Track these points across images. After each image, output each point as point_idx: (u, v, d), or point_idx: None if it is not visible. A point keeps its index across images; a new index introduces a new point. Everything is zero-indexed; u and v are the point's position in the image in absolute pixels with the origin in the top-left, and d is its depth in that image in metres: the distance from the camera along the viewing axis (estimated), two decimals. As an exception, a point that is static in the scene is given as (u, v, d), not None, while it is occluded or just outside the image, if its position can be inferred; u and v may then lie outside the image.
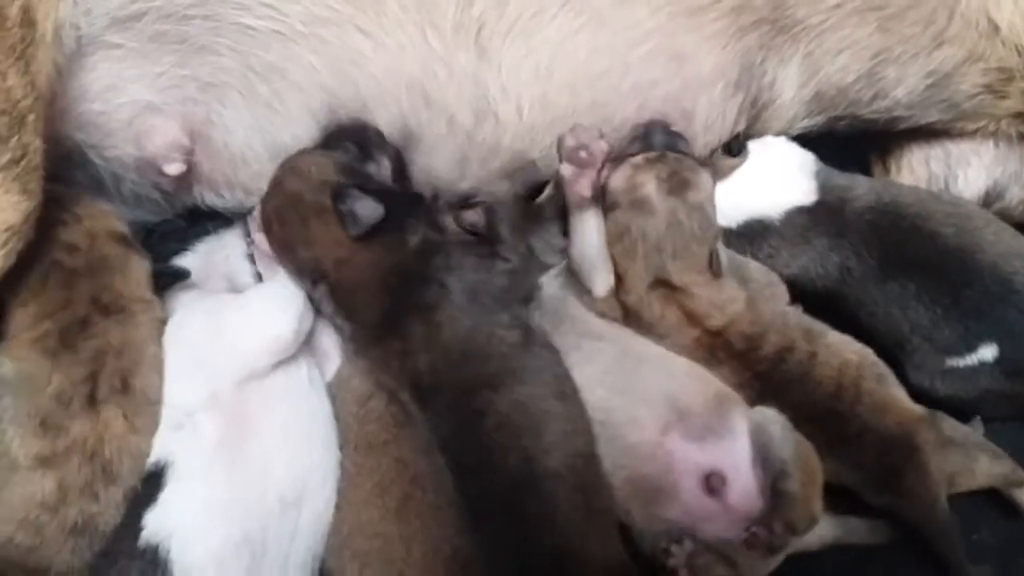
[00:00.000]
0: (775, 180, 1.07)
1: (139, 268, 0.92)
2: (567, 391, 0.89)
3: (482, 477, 0.84)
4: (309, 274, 0.92)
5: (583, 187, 0.94)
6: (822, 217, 1.05)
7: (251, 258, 1.02)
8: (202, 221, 1.05)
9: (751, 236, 1.05)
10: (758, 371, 0.96)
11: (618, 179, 1.00)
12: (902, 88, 1.07)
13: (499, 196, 1.04)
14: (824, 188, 1.06)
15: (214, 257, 1.02)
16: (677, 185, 0.98)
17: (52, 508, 0.80)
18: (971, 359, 0.99)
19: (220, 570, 0.81)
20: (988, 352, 0.98)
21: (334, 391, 0.94)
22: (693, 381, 0.94)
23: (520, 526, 0.82)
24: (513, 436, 0.84)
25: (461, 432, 0.85)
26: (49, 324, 0.84)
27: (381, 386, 0.92)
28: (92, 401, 0.82)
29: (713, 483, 0.89)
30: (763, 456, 0.88)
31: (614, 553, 0.83)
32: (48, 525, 0.79)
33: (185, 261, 1.00)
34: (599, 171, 0.96)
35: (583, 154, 0.93)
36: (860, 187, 1.07)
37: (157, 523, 0.81)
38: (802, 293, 1.03)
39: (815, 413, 0.94)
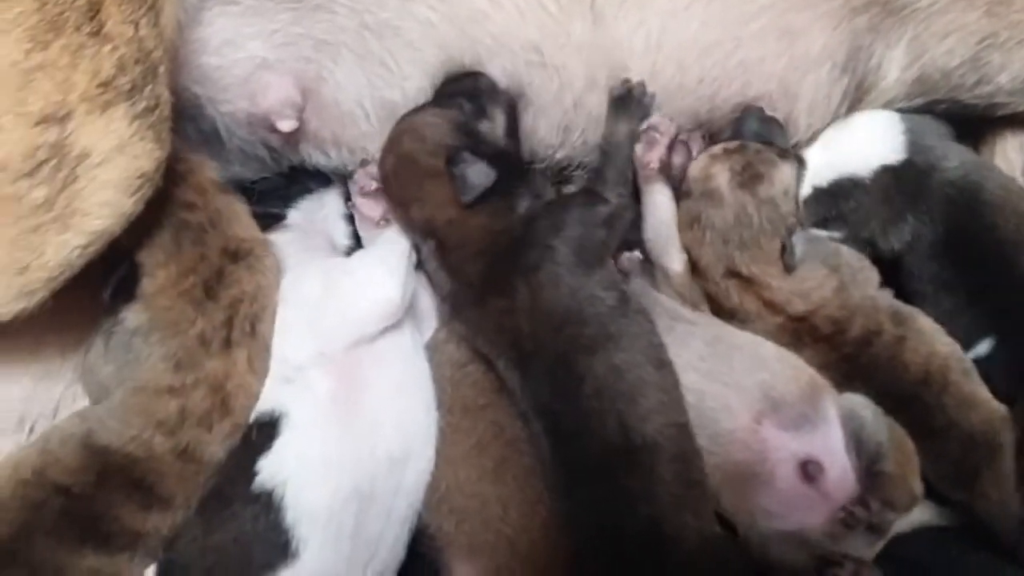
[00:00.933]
0: (867, 138, 1.06)
1: (245, 212, 0.96)
2: (663, 360, 0.90)
3: (578, 444, 0.86)
4: (420, 232, 0.94)
5: (652, 161, 0.97)
6: (906, 178, 1.04)
7: (349, 219, 1.04)
8: (302, 179, 1.06)
9: (839, 194, 1.05)
10: (844, 353, 0.97)
11: (695, 168, 1.01)
12: (1006, 74, 1.06)
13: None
14: (914, 148, 1.05)
15: (314, 216, 1.04)
16: (749, 179, 0.99)
17: (169, 430, 0.84)
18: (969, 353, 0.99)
19: (331, 519, 0.84)
20: (984, 347, 0.98)
21: (430, 354, 0.96)
22: (786, 369, 0.94)
23: (615, 495, 0.84)
24: (610, 402, 0.85)
25: (558, 397, 0.87)
26: (194, 278, 0.87)
27: (476, 353, 0.94)
28: (227, 344, 0.86)
29: (810, 471, 0.90)
30: (857, 441, 0.89)
31: (708, 525, 0.85)
32: (161, 445, 0.84)
33: (290, 218, 1.02)
34: (669, 148, 0.99)
35: (652, 132, 0.97)
36: (952, 159, 1.06)
37: (271, 470, 0.85)
38: (875, 260, 1.04)
39: (902, 398, 0.94)
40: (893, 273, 1.04)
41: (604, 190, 0.96)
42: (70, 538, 0.83)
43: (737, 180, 0.99)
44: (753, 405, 0.92)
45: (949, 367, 0.95)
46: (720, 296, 1.00)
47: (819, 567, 0.86)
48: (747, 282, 0.99)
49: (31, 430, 0.91)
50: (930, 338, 0.97)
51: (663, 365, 0.90)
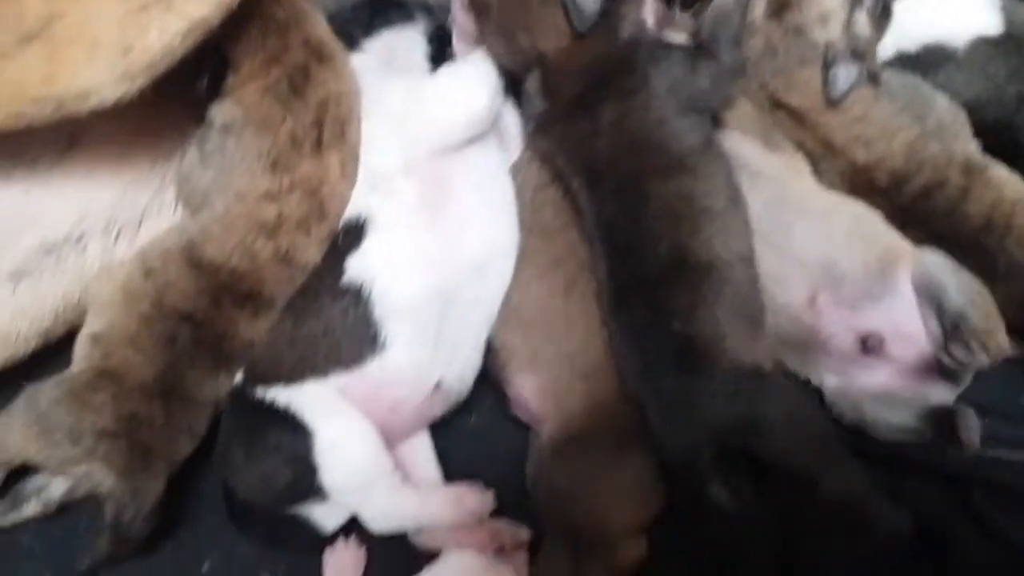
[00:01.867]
0: (963, 9, 1.05)
1: (325, 22, 0.96)
2: (736, 198, 0.90)
3: (630, 260, 0.87)
4: (523, 58, 0.94)
5: None
6: (1006, 49, 1.03)
7: (430, 57, 1.04)
8: (385, 11, 1.06)
9: (929, 62, 1.04)
10: (899, 205, 0.97)
11: None
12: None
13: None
14: (1011, 23, 1.04)
15: (394, 47, 1.04)
16: (779, 7, 0.99)
17: (269, 233, 0.86)
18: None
19: (416, 317, 0.87)
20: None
21: (513, 176, 0.98)
22: (854, 243, 0.93)
23: (656, 311, 0.85)
24: (671, 224, 0.86)
25: (622, 214, 0.88)
26: (277, 70, 0.89)
27: (556, 175, 0.96)
28: (319, 145, 0.88)
29: (870, 344, 0.91)
30: (937, 306, 0.89)
31: (759, 357, 0.86)
32: (262, 251, 0.86)
33: (369, 46, 1.02)
34: None
35: None
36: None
37: (360, 267, 0.88)
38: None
39: (960, 245, 0.94)
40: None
41: (717, 50, 0.94)
42: (206, 367, 0.88)
43: (770, 8, 0.99)
44: (812, 280, 0.91)
45: (1016, 212, 0.95)
46: (783, 129, 1.00)
47: (943, 420, 0.87)
48: (797, 116, 0.99)
49: (117, 236, 0.93)
50: (999, 186, 0.97)
51: (737, 203, 0.90)
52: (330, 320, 0.86)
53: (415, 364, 0.87)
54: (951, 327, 0.88)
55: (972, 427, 0.85)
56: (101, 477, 0.83)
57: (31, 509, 0.89)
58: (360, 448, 0.85)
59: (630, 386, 0.88)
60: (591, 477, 0.86)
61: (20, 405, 0.85)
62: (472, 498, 0.88)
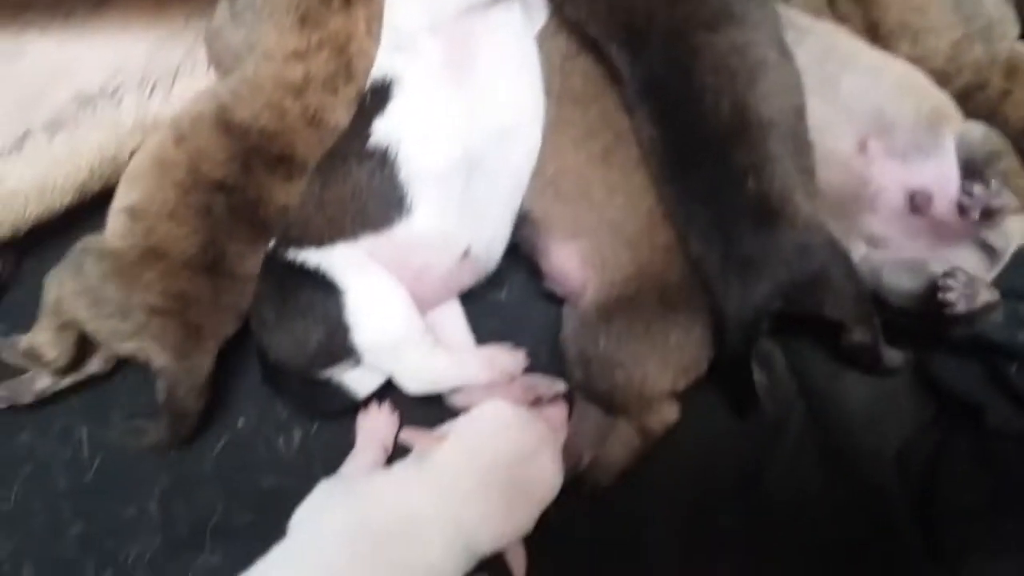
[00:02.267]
0: None
1: None
2: (785, 48, 0.87)
3: (689, 123, 0.84)
4: None
5: None
6: None
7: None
8: None
9: None
10: None
11: None
12: None
13: None
14: None
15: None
16: None
17: (297, 92, 0.85)
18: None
19: (442, 180, 0.87)
20: None
21: (539, 46, 0.94)
22: (905, 94, 0.90)
23: (725, 172, 0.83)
24: (728, 78, 0.83)
25: (673, 73, 0.85)
26: None
27: (586, 43, 0.92)
28: (347, 1, 0.85)
29: (918, 201, 0.88)
30: (978, 171, 0.86)
31: (816, 215, 0.84)
32: (291, 111, 0.85)
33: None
34: None
35: None
36: None
37: (385, 130, 0.86)
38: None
39: None
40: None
41: None
42: (245, 238, 0.88)
43: None
44: (861, 128, 0.89)
45: None
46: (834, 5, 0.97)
47: (933, 284, 0.85)
48: None
49: (152, 91, 0.93)
50: None
51: (785, 52, 0.87)
52: (357, 183, 0.86)
53: (441, 229, 0.87)
54: (981, 167, 0.86)
55: (955, 287, 0.83)
56: (154, 355, 0.85)
57: (42, 383, 0.91)
58: (391, 306, 0.86)
59: (691, 249, 0.86)
60: (633, 340, 0.86)
61: (68, 270, 0.86)
62: (504, 358, 0.89)
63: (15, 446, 0.95)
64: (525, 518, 0.81)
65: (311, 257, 0.87)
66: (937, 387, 0.92)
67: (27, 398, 0.92)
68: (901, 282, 0.90)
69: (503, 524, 0.80)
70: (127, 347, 0.85)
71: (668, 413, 0.90)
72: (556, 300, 0.98)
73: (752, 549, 0.90)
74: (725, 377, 0.90)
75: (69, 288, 0.85)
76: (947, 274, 0.84)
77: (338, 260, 0.86)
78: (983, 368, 0.90)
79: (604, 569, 0.90)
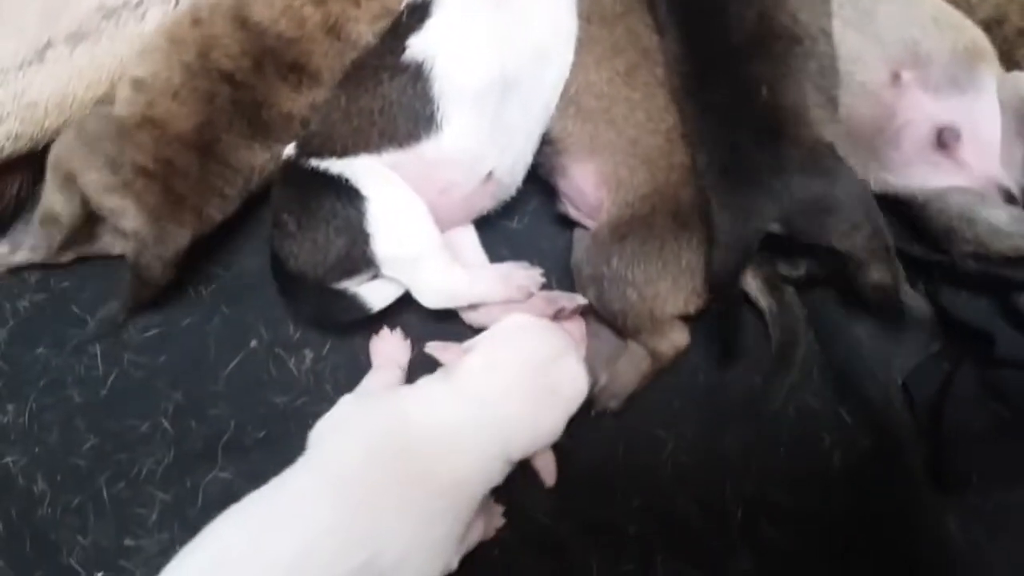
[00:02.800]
0: None
1: None
2: None
3: (714, 32, 0.85)
4: None
5: None
6: None
7: None
8: None
9: None
10: None
11: None
12: None
13: None
14: None
15: None
16: None
17: (318, 0, 0.85)
18: None
19: (476, 98, 0.87)
20: None
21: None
22: (942, 28, 0.90)
23: (742, 82, 0.84)
24: None
25: None
26: None
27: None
28: None
29: (945, 138, 0.88)
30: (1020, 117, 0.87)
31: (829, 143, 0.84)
32: (310, 19, 0.86)
33: None
34: None
35: None
36: None
37: (421, 45, 0.86)
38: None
39: None
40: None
41: None
42: (242, 132, 0.89)
43: None
44: (893, 59, 0.90)
45: None
46: None
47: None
48: None
49: (176, 2, 0.93)
50: None
51: None
52: (388, 97, 0.86)
53: (469, 148, 0.87)
54: None
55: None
56: (130, 215, 0.86)
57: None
58: (412, 218, 0.86)
59: (696, 162, 0.87)
60: (646, 260, 0.87)
61: (72, 129, 0.89)
62: (521, 274, 0.89)
63: (31, 360, 0.96)
64: (556, 422, 0.82)
65: (334, 166, 0.87)
66: (946, 317, 0.92)
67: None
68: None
69: (536, 428, 0.81)
70: (109, 202, 0.86)
71: (679, 337, 0.90)
72: (567, 228, 0.99)
73: (755, 473, 0.91)
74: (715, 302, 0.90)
75: (69, 141, 0.87)
76: None
77: (361, 170, 0.86)
78: (992, 300, 0.91)
79: (606, 492, 0.91)
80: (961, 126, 0.89)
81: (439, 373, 0.84)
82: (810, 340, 0.93)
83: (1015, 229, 0.86)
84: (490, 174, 0.90)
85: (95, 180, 0.85)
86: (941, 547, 0.86)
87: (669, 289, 0.87)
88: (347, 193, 0.85)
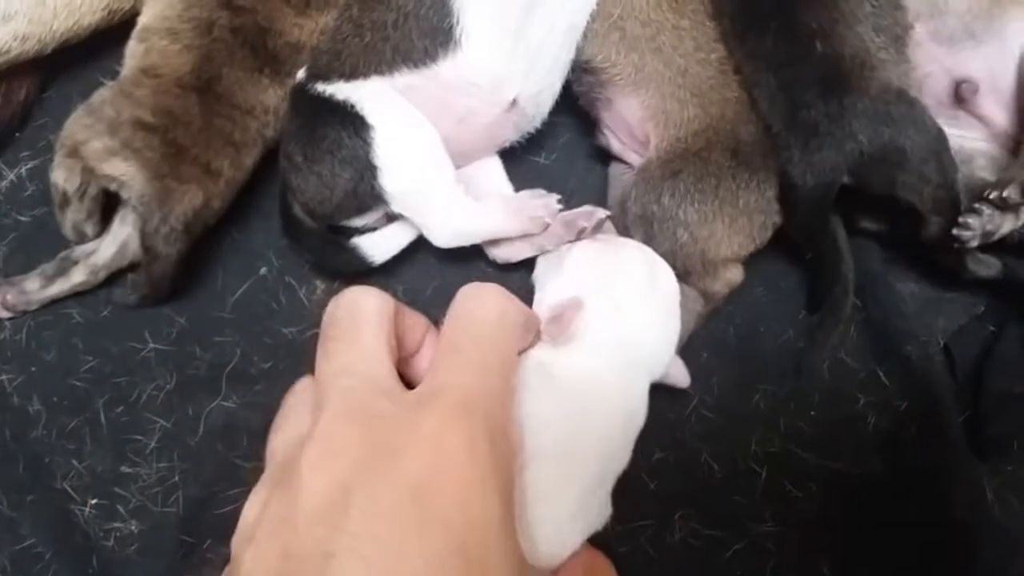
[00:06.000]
0: None
1: None
2: None
3: None
4: None
5: None
6: None
7: None
8: None
9: None
10: None
11: None
12: None
13: None
14: None
15: None
16: None
17: None
18: None
19: (496, 12, 0.79)
20: None
21: None
22: None
23: (795, 31, 0.80)
24: None
25: None
26: None
27: None
28: None
29: (963, 92, 0.84)
30: None
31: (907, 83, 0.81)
32: None
33: None
34: None
35: None
36: None
37: (440, -50, 0.80)
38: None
39: None
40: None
41: None
42: (246, 64, 0.83)
43: None
44: (910, 9, 0.84)
45: None
46: None
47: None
48: None
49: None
50: None
51: None
52: (402, 7, 0.79)
53: (491, 70, 0.80)
54: None
55: (975, 227, 0.79)
56: (131, 175, 0.80)
57: (79, 276, 0.89)
58: (421, 148, 0.80)
59: (759, 111, 0.82)
60: (701, 198, 0.82)
61: (84, 103, 0.84)
62: (535, 202, 0.83)
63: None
64: (679, 321, 0.79)
65: (341, 90, 0.81)
66: (990, 279, 0.87)
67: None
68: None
69: (671, 339, 0.78)
70: (110, 168, 0.81)
71: (733, 274, 0.86)
72: (599, 163, 0.94)
73: (783, 432, 0.87)
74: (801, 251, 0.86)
75: (78, 114, 0.83)
76: (970, 210, 0.80)
77: (369, 95, 0.80)
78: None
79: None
80: (979, 77, 0.84)
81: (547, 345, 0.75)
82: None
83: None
84: (514, 101, 0.83)
85: (96, 149, 0.80)
86: (977, 517, 0.82)
87: (724, 231, 0.83)
88: (354, 121, 0.79)
